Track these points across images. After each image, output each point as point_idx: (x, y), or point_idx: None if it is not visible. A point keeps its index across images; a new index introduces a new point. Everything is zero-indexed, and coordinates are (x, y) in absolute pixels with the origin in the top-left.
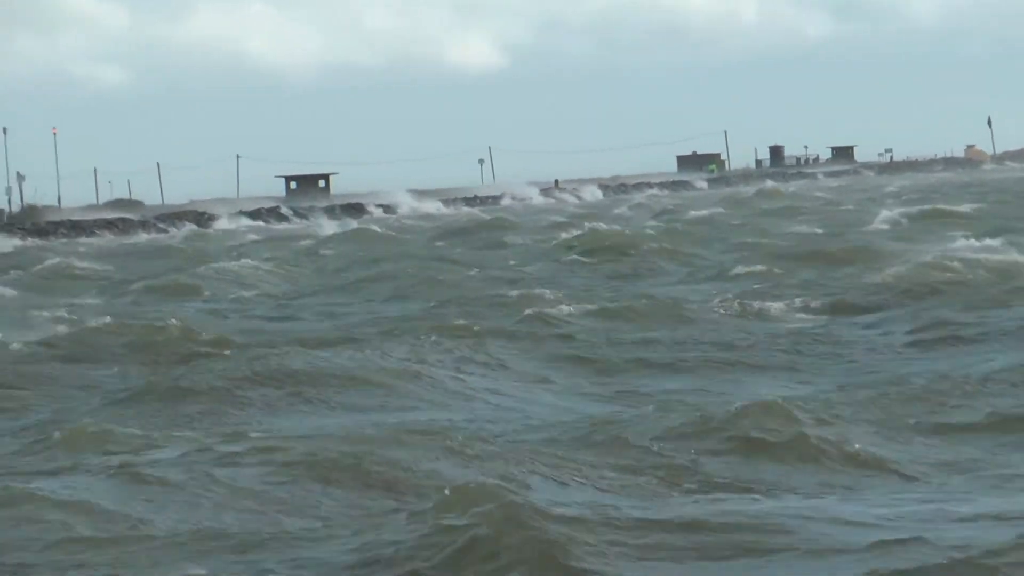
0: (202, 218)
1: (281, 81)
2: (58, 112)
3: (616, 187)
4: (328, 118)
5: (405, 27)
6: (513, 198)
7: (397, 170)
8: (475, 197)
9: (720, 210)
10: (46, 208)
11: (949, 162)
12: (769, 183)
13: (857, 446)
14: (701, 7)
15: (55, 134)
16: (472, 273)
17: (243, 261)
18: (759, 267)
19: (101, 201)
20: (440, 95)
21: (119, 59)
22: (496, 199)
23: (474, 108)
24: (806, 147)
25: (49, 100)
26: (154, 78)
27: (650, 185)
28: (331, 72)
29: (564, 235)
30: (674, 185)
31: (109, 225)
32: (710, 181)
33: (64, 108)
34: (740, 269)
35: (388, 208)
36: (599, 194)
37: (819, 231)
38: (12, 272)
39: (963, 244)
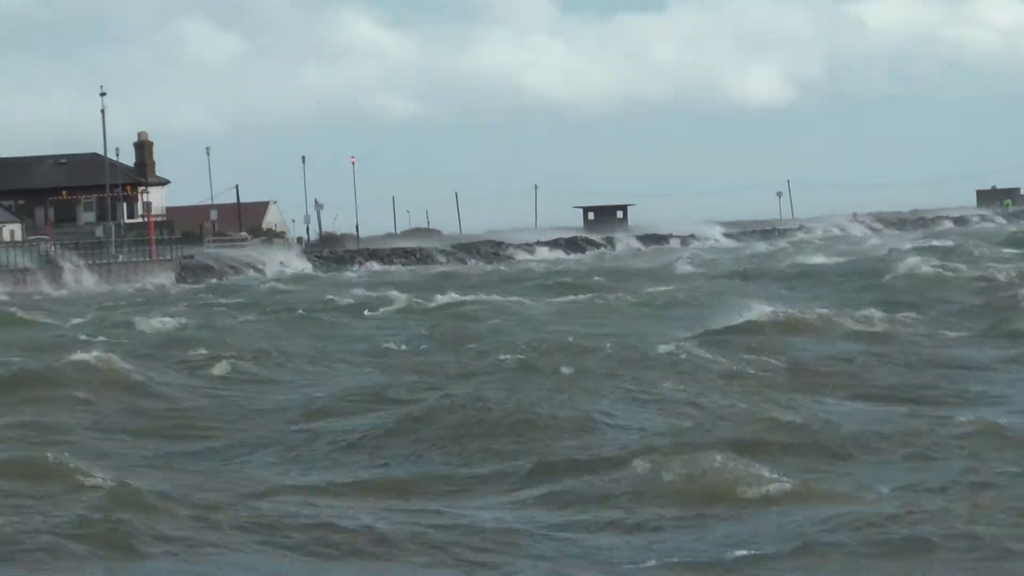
0: (500, 247)
1: (570, 113)
2: (353, 141)
3: (915, 220)
4: (620, 149)
5: (690, 60)
6: (810, 231)
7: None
8: (773, 230)
9: None
10: (344, 236)
11: None
12: None
13: None
14: (989, 40)
15: (353, 163)
16: None
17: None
18: None
19: (399, 230)
20: (729, 127)
21: (408, 90)
22: (793, 231)
23: (766, 141)
24: None
25: (343, 130)
26: (443, 109)
27: (947, 219)
28: (619, 104)
29: None
30: (959, 220)
31: (407, 254)
32: (1007, 216)
33: (359, 138)
34: None
35: (685, 239)
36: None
37: None
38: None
39: None
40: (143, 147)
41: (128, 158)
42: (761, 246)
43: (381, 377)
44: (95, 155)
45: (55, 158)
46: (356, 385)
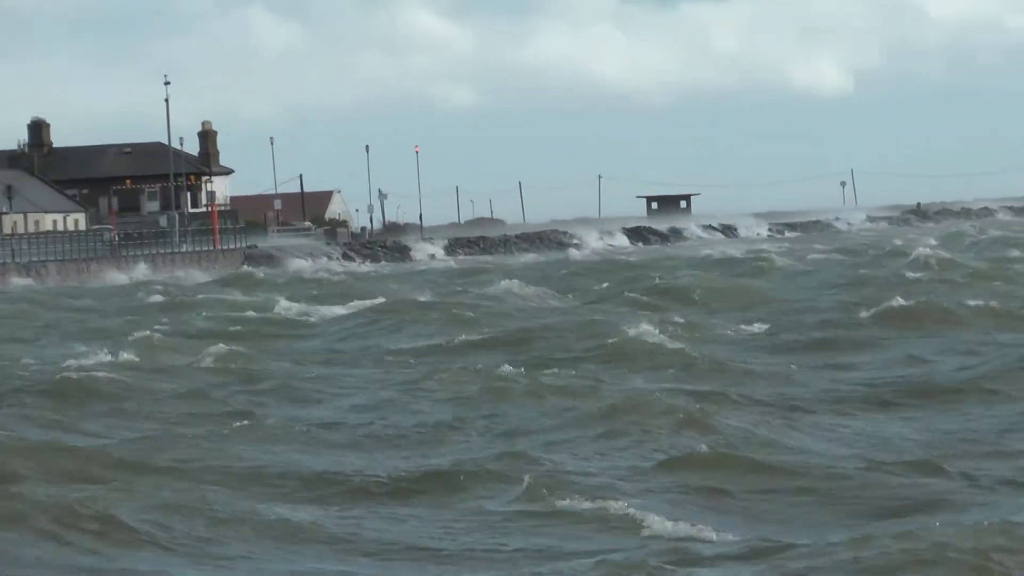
0: (564, 237)
1: (631, 102)
2: (414, 131)
3: (979, 210)
4: (683, 139)
5: (751, 50)
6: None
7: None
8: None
9: None
10: (407, 225)
11: None
12: None
13: None
14: None
15: (417, 152)
16: None
17: None
18: None
19: (462, 219)
20: (790, 117)
21: (467, 80)
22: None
23: (827, 130)
24: None
25: (404, 119)
26: (503, 99)
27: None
28: (679, 93)
29: None
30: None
31: (470, 244)
32: None
33: (420, 127)
34: None
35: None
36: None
37: None
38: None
39: None
40: (207, 136)
41: (192, 147)
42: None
43: None
44: (159, 144)
45: (119, 147)
46: None
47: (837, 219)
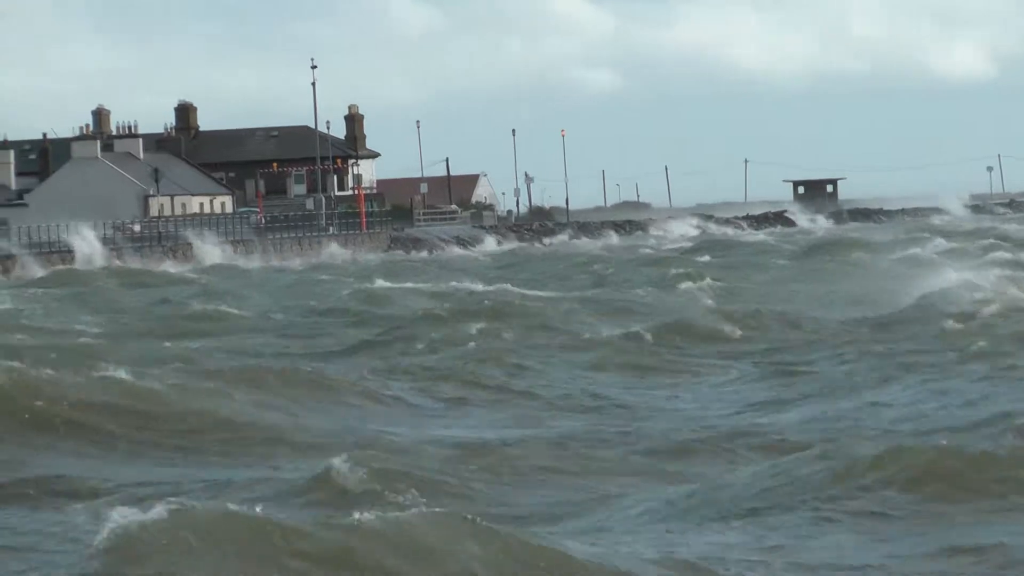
0: (708, 221)
1: (771, 86)
2: (556, 114)
3: None
4: (826, 123)
5: (888, 35)
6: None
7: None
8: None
9: None
10: (553, 209)
11: None
12: None
13: None
14: None
15: (563, 136)
16: None
17: None
18: None
19: (609, 203)
20: (932, 102)
21: (607, 64)
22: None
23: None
24: None
25: (546, 103)
26: (643, 82)
27: None
28: (818, 78)
29: None
30: None
31: (616, 227)
32: None
33: (562, 111)
34: None
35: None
36: None
37: None
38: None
39: None
40: (353, 120)
41: (338, 131)
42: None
43: None
44: (306, 127)
45: (266, 131)
46: None
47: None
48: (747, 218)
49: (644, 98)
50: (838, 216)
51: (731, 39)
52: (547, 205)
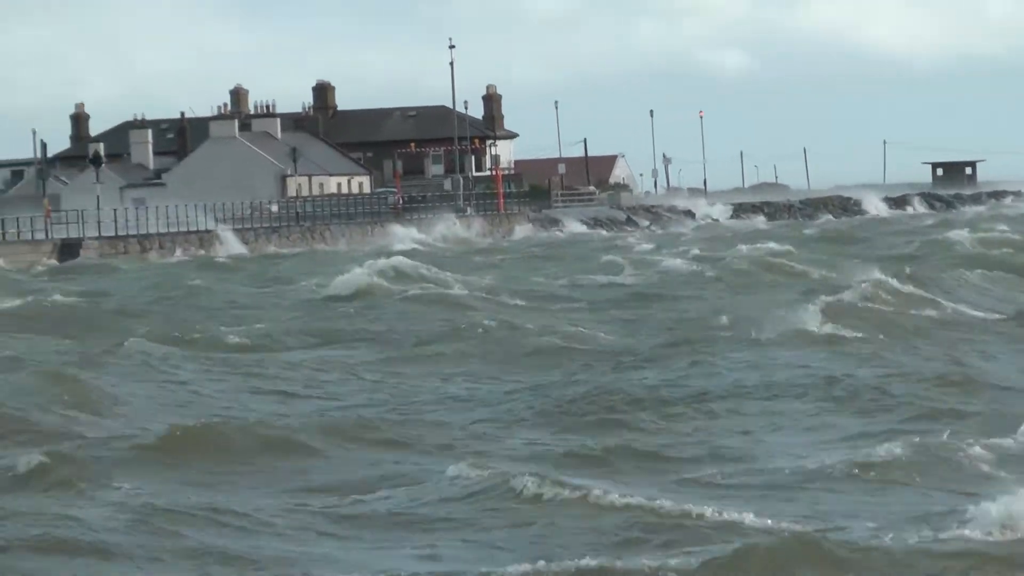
0: (848, 203)
1: (906, 68)
2: (695, 95)
3: None
4: (965, 105)
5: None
6: None
7: None
8: None
9: None
10: (691, 190)
11: None
12: None
13: None
14: None
15: (701, 117)
16: None
17: None
18: None
19: (746, 185)
20: None
21: (741, 46)
22: None
23: None
24: None
25: (680, 84)
26: (777, 64)
27: None
28: (955, 59)
29: None
30: None
31: (754, 209)
32: None
33: (701, 92)
34: None
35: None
36: None
37: None
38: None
39: None
40: (491, 100)
41: (476, 111)
42: None
43: None
44: (443, 108)
45: (403, 110)
46: None
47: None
48: (885, 200)
49: (779, 79)
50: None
51: (865, 20)
52: (684, 186)
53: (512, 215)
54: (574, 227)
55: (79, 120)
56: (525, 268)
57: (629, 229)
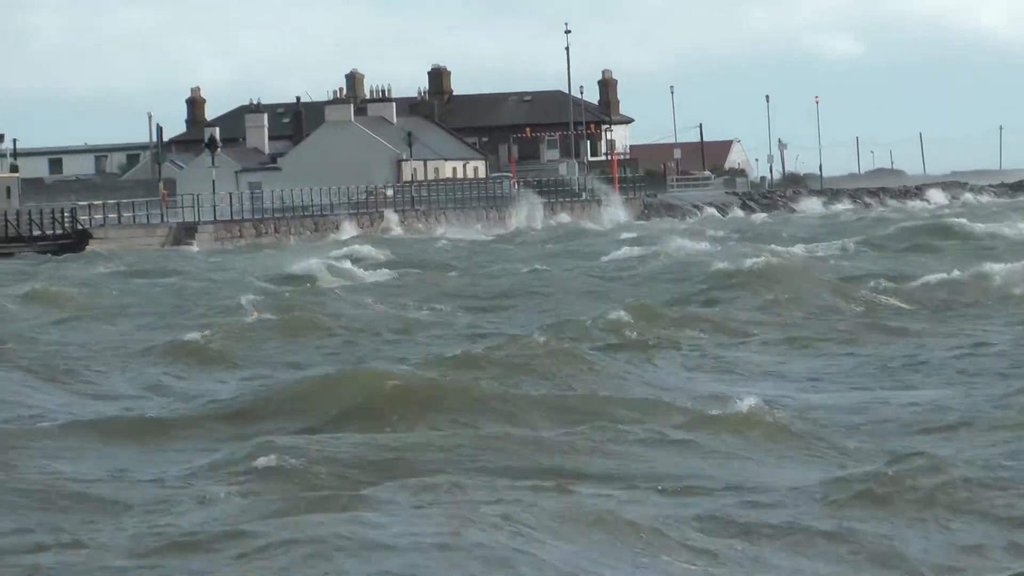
0: (957, 190)
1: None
2: (809, 80)
3: None
4: None
5: None
6: None
7: None
8: None
9: None
10: (806, 176)
11: None
12: None
13: None
14: None
15: (817, 102)
16: None
17: None
18: None
19: (862, 170)
20: None
21: (851, 30)
22: None
23: None
24: None
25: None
26: (888, 49)
27: None
28: None
29: None
30: None
31: (870, 194)
32: None
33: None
34: None
35: None
36: None
37: None
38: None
39: None
40: (607, 85)
41: (591, 96)
42: None
43: None
44: (559, 93)
45: (519, 95)
46: None
47: None
48: (1001, 186)
49: (892, 64)
50: None
51: (976, 5)
52: (800, 171)
53: (628, 200)
54: (692, 214)
55: (195, 104)
56: None
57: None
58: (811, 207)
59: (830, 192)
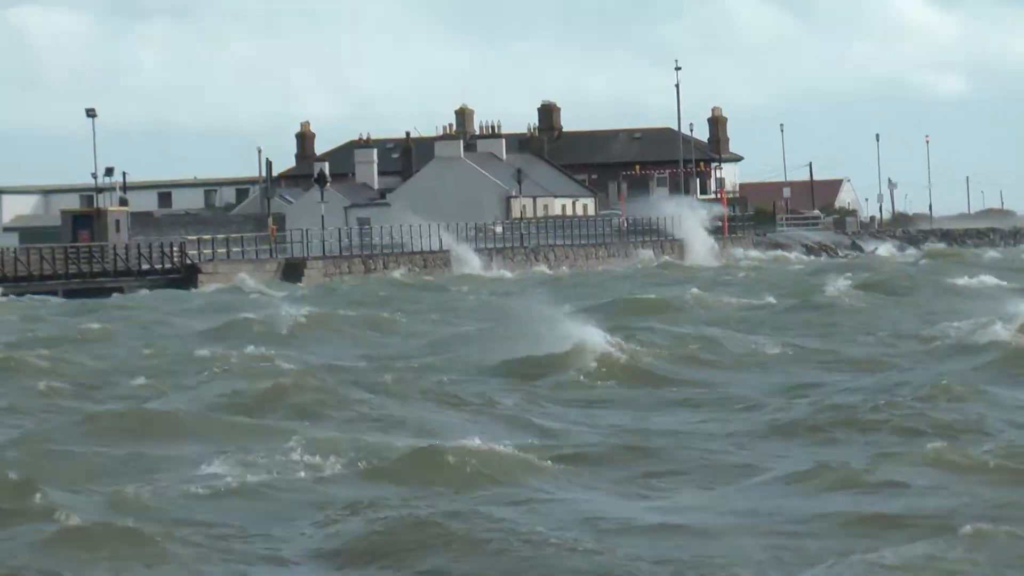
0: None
1: None
2: (918, 119)
3: None
4: None
5: None
6: None
7: None
8: None
9: None
10: (916, 216)
11: None
12: None
13: None
14: None
15: (927, 142)
16: None
17: None
18: None
19: (972, 210)
20: None
21: (956, 68)
22: None
23: None
24: None
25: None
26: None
27: None
28: None
29: None
30: None
31: (980, 235)
32: None
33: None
34: None
35: None
36: None
37: None
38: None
39: None
40: (716, 122)
41: (700, 133)
42: None
43: None
44: (669, 130)
45: (629, 132)
46: None
47: None
48: None
49: (999, 102)
50: None
51: None
52: (910, 211)
53: (737, 238)
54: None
55: (304, 139)
56: None
57: (853, 254)
58: (884, 250)
59: (910, 234)
